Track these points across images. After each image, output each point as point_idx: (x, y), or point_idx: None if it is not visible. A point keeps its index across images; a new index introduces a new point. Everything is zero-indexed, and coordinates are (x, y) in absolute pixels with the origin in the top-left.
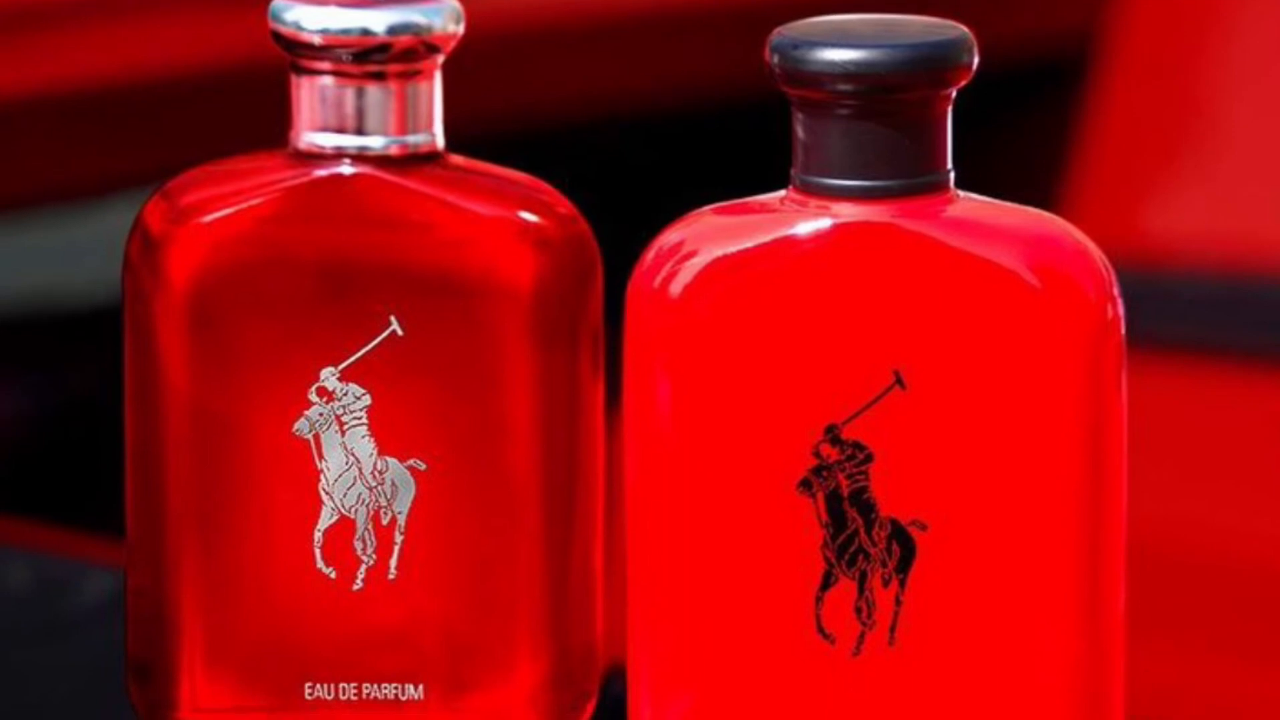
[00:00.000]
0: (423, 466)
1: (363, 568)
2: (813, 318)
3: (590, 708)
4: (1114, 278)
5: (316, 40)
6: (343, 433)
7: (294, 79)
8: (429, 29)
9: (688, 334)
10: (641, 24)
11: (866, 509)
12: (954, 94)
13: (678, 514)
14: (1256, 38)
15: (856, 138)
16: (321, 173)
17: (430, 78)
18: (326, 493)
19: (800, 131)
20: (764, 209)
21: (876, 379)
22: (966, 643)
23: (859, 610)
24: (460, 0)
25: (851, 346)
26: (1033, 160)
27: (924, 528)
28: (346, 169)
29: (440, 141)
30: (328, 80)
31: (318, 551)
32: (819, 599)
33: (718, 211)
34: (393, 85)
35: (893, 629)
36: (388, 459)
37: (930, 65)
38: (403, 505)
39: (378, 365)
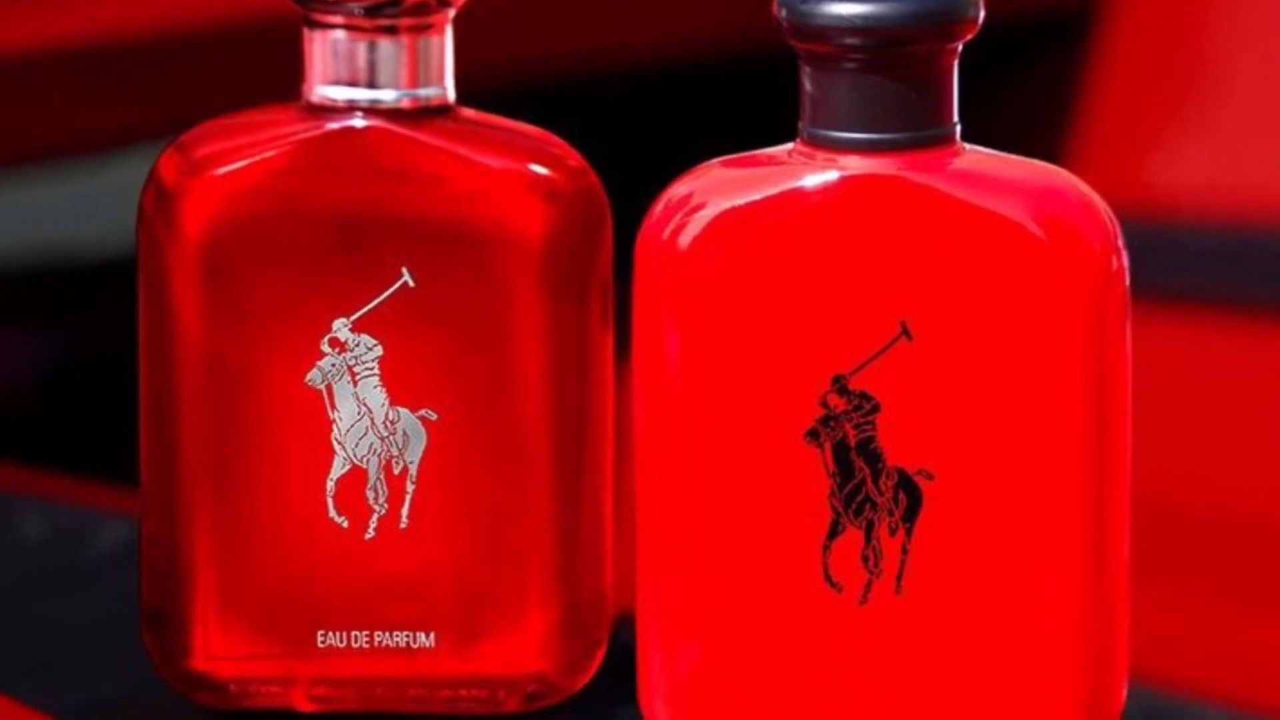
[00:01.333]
0: (434, 417)
1: (375, 517)
2: (820, 269)
3: (600, 656)
4: (1119, 230)
5: None
6: (355, 383)
7: (307, 32)
8: None
9: (696, 285)
10: None
11: (873, 459)
12: (960, 47)
13: (686, 464)
14: None
15: (863, 91)
16: (334, 126)
17: (441, 31)
18: (339, 442)
19: (807, 85)
20: (772, 162)
21: (883, 330)
22: (972, 591)
23: (866, 559)
24: None
25: (858, 298)
26: (1038, 113)
27: (930, 477)
28: (359, 122)
29: (451, 95)
30: (340, 34)
31: (330, 501)
32: (826, 548)
33: (726, 164)
34: (404, 39)
35: (899, 577)
36: (399, 409)
37: (936, 19)
38: (414, 455)
39: (390, 316)
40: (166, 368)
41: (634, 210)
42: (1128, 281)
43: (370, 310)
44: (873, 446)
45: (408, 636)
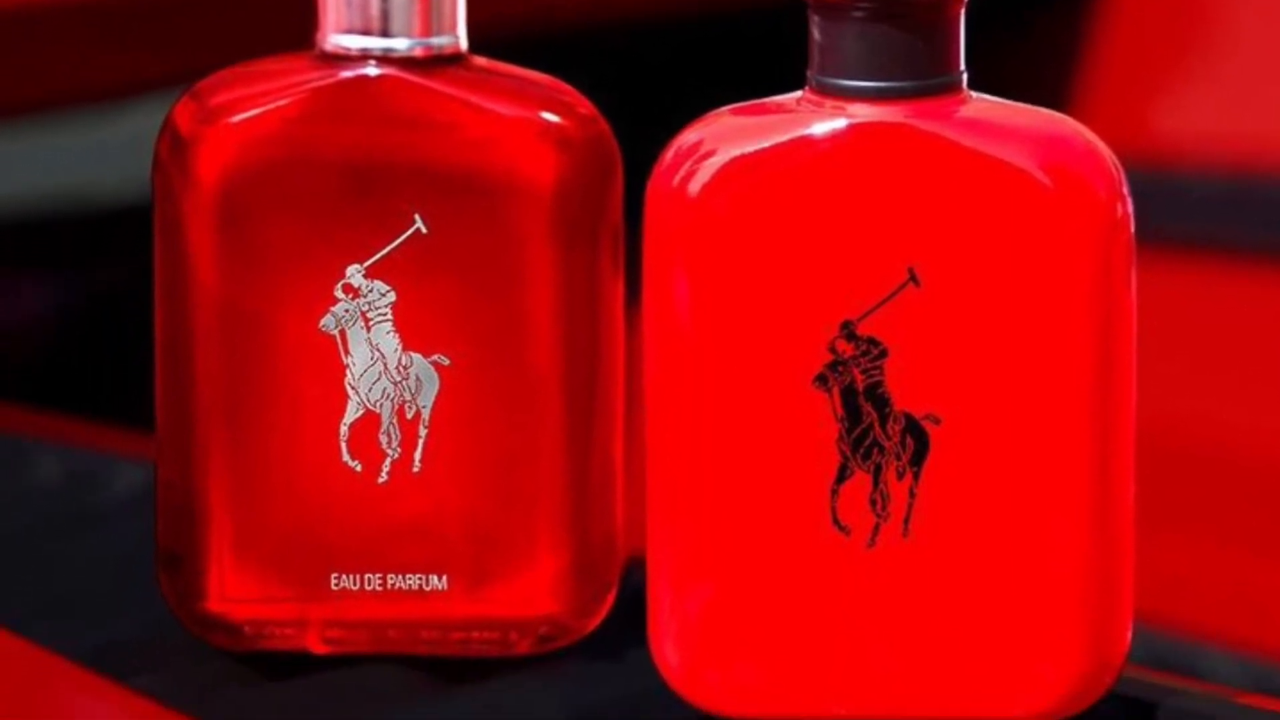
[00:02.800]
0: (446, 362)
1: (388, 461)
2: (828, 216)
3: (611, 598)
4: (1124, 177)
5: None
6: (368, 328)
7: None
8: None
9: (706, 232)
10: None
11: (881, 403)
12: None
13: (696, 409)
14: None
15: (871, 40)
16: (347, 74)
17: None
18: (352, 387)
19: (816, 33)
20: (781, 109)
21: (891, 276)
22: (979, 534)
23: (874, 503)
24: None
25: (866, 244)
26: (1044, 61)
27: (937, 421)
28: (372, 70)
29: (464, 43)
30: None
31: (343, 445)
32: (834, 492)
33: (735, 112)
34: None
35: (906, 521)
36: (412, 354)
37: None
38: (427, 400)
39: (402, 262)
40: (182, 313)
41: (644, 157)
42: (1133, 228)
43: (383, 256)
44: (880, 391)
45: (420, 579)
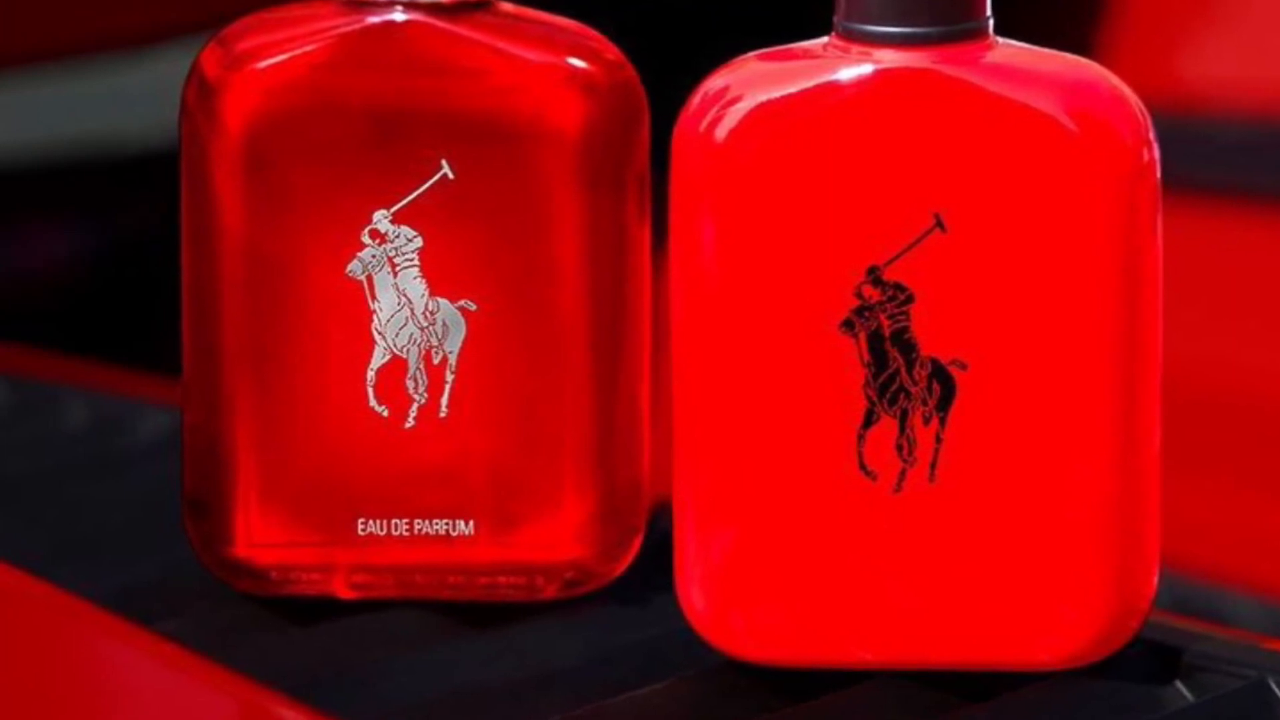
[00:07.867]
0: (473, 307)
1: (414, 406)
2: (855, 161)
3: (637, 543)
4: (1150, 122)
5: None
6: (395, 274)
7: None
8: None
9: (732, 177)
10: None
11: (907, 348)
12: None
13: (723, 354)
14: None
15: None
16: (374, 19)
17: None
18: (379, 333)
19: None
20: (807, 55)
21: (917, 221)
22: (1005, 479)
23: (900, 448)
24: None
25: (893, 190)
26: (1070, 6)
27: (964, 367)
28: (398, 16)
29: None
30: None
31: (370, 390)
32: (861, 437)
33: (762, 57)
34: None
35: (933, 466)
36: (439, 299)
37: None
38: (453, 345)
39: (429, 208)
40: (208, 259)
41: (671, 103)
42: (1158, 173)
43: (410, 202)
44: (907, 336)
45: (447, 524)
